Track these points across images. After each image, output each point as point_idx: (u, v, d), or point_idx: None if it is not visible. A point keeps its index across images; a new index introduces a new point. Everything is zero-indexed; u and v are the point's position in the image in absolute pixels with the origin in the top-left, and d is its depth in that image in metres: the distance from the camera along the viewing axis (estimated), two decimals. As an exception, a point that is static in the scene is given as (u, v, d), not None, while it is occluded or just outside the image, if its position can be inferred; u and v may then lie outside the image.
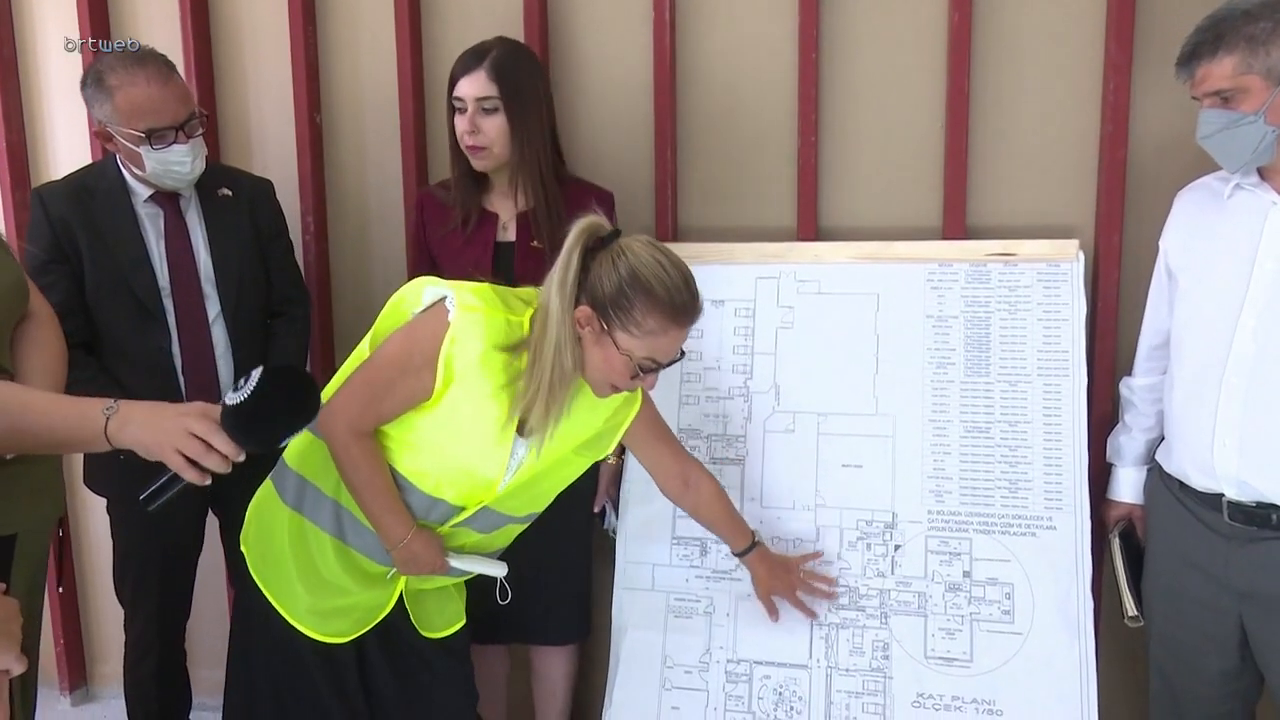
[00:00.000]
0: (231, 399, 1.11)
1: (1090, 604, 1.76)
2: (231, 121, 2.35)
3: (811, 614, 1.81)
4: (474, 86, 1.82)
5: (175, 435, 1.10)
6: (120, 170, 1.90)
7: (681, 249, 2.00)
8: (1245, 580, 1.55)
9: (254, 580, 1.57)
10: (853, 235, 2.01)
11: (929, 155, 1.98)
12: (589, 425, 1.56)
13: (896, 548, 1.85)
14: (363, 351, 1.54)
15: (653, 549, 1.97)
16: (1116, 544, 1.79)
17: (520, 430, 1.47)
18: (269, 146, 2.32)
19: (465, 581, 1.74)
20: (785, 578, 1.79)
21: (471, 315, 1.40)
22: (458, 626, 1.70)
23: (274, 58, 2.26)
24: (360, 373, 1.49)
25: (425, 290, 1.47)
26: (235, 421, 1.10)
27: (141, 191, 1.90)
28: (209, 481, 1.12)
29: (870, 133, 2.01)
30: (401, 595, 1.62)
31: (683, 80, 2.08)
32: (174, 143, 1.80)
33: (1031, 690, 1.74)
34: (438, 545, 1.56)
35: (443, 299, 1.43)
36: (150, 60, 1.79)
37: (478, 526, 1.60)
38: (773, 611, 1.82)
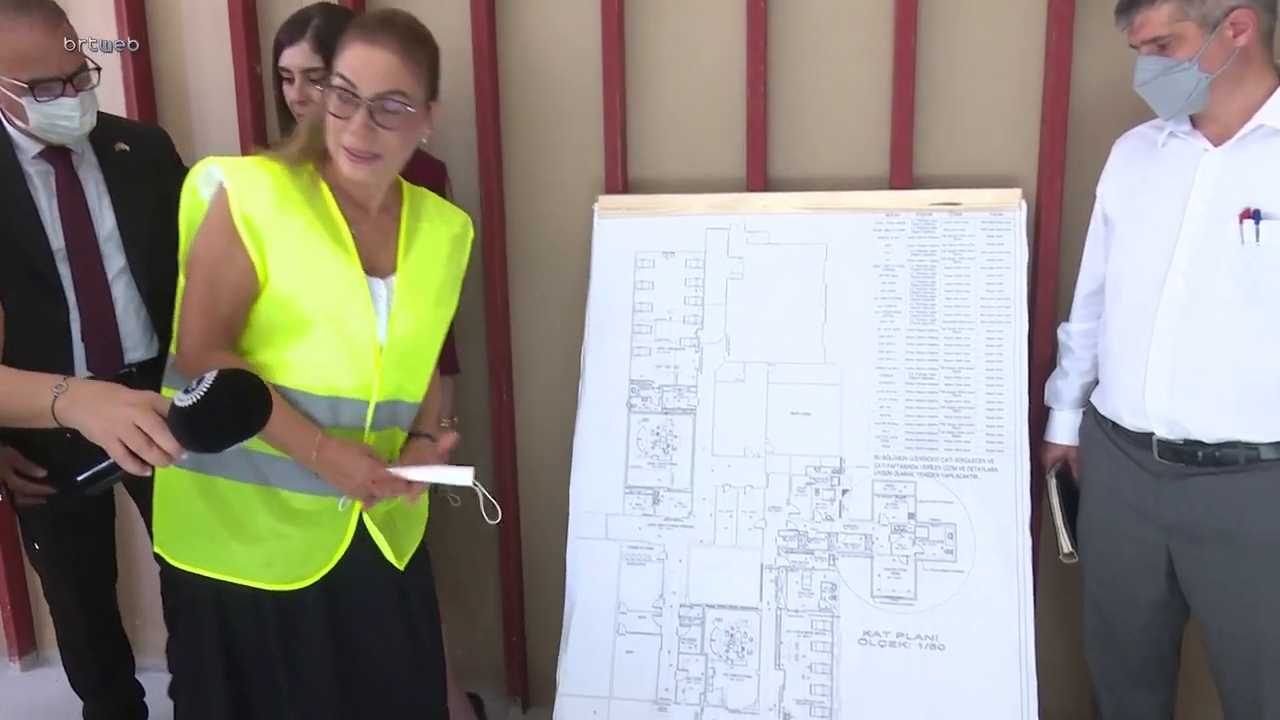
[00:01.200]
0: (181, 401, 1.08)
1: (1029, 542, 1.80)
2: (166, 71, 2.26)
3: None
4: (299, 58, 1.79)
5: (120, 425, 1.08)
6: (2, 123, 1.75)
7: (632, 201, 2.04)
8: (1172, 514, 1.60)
9: (188, 572, 1.48)
10: (801, 185, 2.00)
11: (876, 106, 1.98)
12: (430, 264, 1.52)
13: (844, 492, 1.87)
14: (182, 279, 1.48)
15: (605, 499, 1.97)
16: (1053, 484, 1.82)
17: (368, 271, 1.44)
18: (207, 95, 2.25)
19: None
20: (419, 454, 1.59)
21: (242, 170, 1.39)
22: (415, 548, 1.62)
23: (211, 4, 2.19)
24: (186, 292, 1.44)
25: (199, 185, 1.43)
26: (181, 424, 1.09)
27: (28, 147, 1.75)
28: (149, 473, 1.11)
29: (818, 84, 2.00)
30: (365, 526, 1.51)
31: (631, 31, 2.05)
32: (61, 95, 1.67)
33: (972, 625, 1.79)
34: (357, 448, 1.44)
35: (216, 182, 1.41)
36: (36, 5, 1.65)
37: (404, 423, 1.54)
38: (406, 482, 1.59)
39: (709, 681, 1.87)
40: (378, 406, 1.48)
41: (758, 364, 1.94)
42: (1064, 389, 1.84)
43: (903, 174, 1.97)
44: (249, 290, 1.41)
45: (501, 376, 2.18)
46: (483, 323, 2.16)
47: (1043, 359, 1.92)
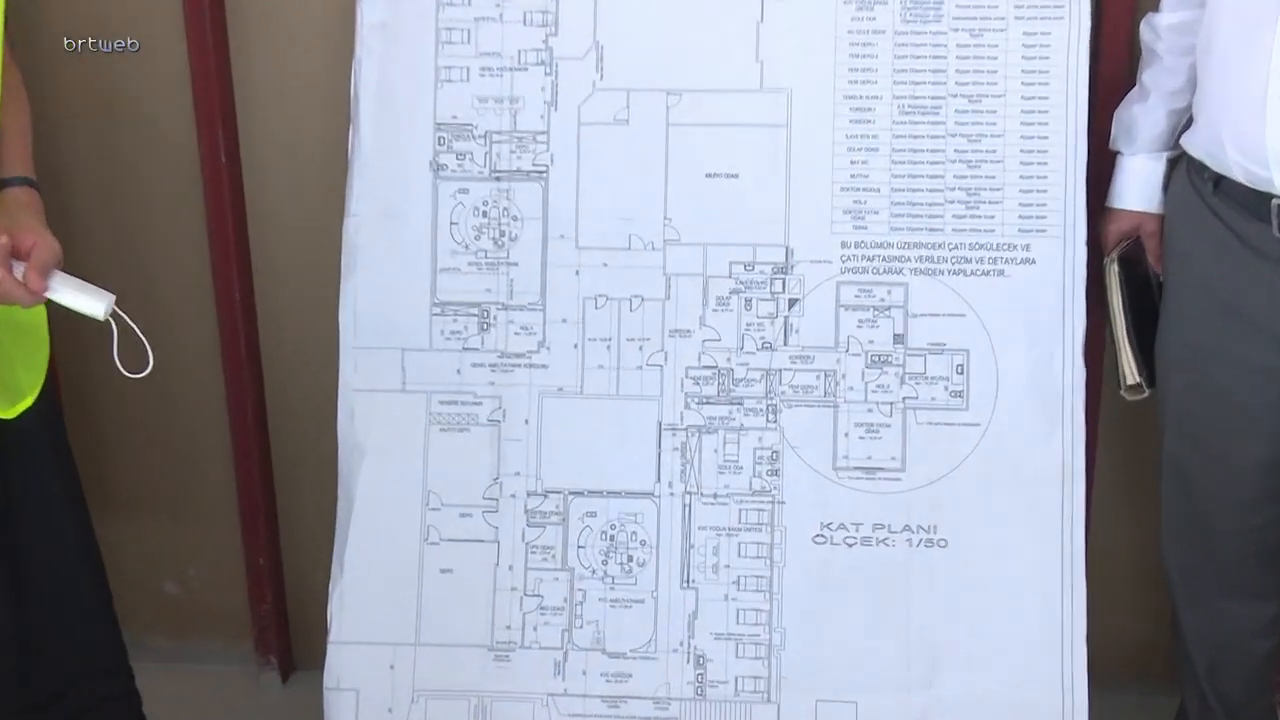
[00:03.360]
0: None
1: (1081, 375, 1.45)
2: None
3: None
4: None
5: None
6: None
7: None
8: (1301, 322, 1.26)
9: None
10: None
11: None
12: None
13: (792, 303, 1.50)
14: None
15: (400, 324, 1.53)
16: (1115, 274, 1.50)
17: None
18: None
19: None
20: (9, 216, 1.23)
21: None
22: (32, 397, 1.32)
23: None
24: None
25: None
26: None
27: None
28: None
29: None
30: None
31: None
32: None
33: (990, 507, 1.45)
34: None
35: None
36: None
37: None
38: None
39: (577, 613, 1.50)
40: None
41: (650, 94, 1.50)
42: (1141, 118, 1.46)
43: None
44: None
45: (216, 127, 1.64)
46: (183, 51, 1.60)
47: (1113, 81, 1.47)
